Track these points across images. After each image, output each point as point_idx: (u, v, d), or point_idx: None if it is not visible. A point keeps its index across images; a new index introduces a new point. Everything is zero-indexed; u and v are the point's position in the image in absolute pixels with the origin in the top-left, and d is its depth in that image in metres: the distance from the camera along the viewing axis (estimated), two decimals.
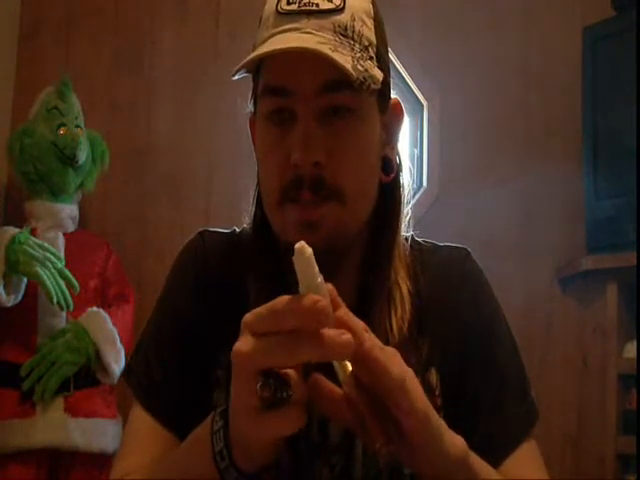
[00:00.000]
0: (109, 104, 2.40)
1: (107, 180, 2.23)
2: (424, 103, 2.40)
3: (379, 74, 0.72)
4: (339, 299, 0.54)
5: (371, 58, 0.72)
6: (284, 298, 0.50)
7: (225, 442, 0.57)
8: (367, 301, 0.75)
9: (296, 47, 0.67)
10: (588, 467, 2.08)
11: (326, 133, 0.71)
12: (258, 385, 0.51)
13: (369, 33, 0.73)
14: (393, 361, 0.53)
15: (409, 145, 2.46)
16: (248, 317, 0.52)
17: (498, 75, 2.37)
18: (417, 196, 2.34)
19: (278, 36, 0.70)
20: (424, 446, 0.55)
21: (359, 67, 0.69)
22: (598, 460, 2.00)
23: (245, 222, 0.85)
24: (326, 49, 0.67)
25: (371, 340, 0.53)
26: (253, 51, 0.74)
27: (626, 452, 1.90)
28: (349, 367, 0.53)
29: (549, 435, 2.13)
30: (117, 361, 1.88)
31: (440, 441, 0.56)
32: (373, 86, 0.71)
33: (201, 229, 0.87)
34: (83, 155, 2.04)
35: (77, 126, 2.05)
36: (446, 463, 0.57)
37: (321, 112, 0.71)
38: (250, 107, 0.82)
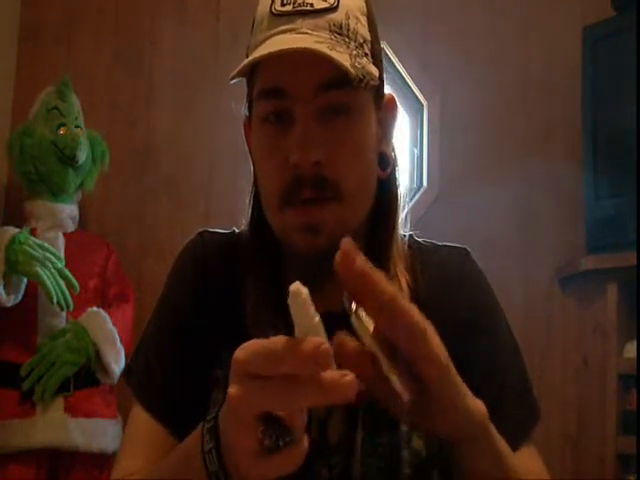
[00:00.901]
0: (109, 104, 2.40)
1: (107, 180, 2.23)
2: (424, 103, 2.40)
3: (375, 70, 0.73)
4: (355, 251, 0.50)
5: (366, 55, 0.72)
6: (281, 340, 0.47)
7: (219, 464, 0.55)
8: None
9: (294, 48, 0.67)
10: (588, 467, 2.08)
11: (325, 132, 0.70)
12: (259, 432, 0.49)
13: (363, 30, 0.73)
14: (414, 310, 0.52)
15: (409, 145, 2.46)
16: (240, 355, 0.49)
17: (498, 75, 2.37)
18: (417, 196, 2.34)
19: (274, 37, 0.70)
20: (445, 399, 0.54)
21: (357, 64, 0.69)
22: (598, 460, 2.00)
23: (244, 223, 0.85)
24: (324, 48, 0.67)
25: (393, 289, 0.51)
26: (247, 54, 0.74)
27: (626, 452, 1.90)
28: (371, 325, 0.51)
29: (549, 435, 2.13)
30: (117, 361, 1.88)
31: (461, 396, 0.56)
32: (372, 82, 0.71)
33: (201, 230, 0.87)
34: (83, 155, 2.04)
35: (77, 126, 2.05)
36: (468, 424, 0.57)
37: (319, 112, 0.71)
38: (245, 111, 0.82)
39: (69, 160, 2.01)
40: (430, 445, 0.74)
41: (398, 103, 0.83)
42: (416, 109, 2.45)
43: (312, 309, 0.48)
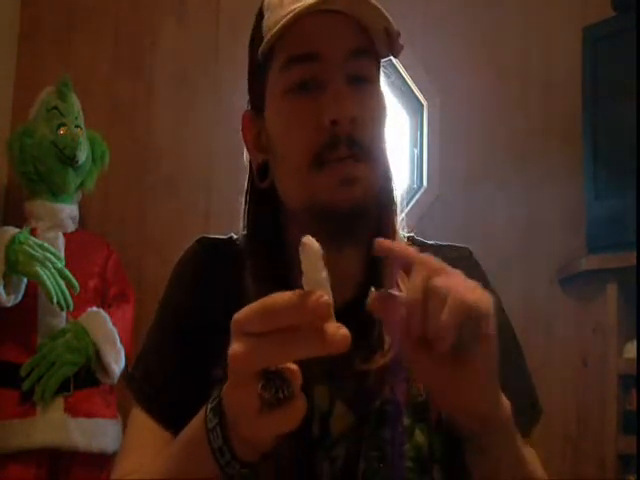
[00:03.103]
0: (109, 104, 2.40)
1: (107, 180, 2.23)
2: (424, 103, 2.40)
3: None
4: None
5: None
6: (281, 294, 0.49)
7: (224, 439, 0.57)
8: (377, 268, 0.77)
9: None
10: (588, 467, 2.08)
11: (355, 95, 0.72)
12: (259, 387, 0.51)
13: None
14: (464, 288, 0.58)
15: (409, 145, 2.46)
16: (239, 317, 0.51)
17: (498, 75, 2.37)
18: (417, 196, 2.34)
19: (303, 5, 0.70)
20: (485, 374, 0.58)
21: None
22: (598, 460, 2.00)
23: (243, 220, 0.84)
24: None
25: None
26: (263, 36, 0.74)
27: (626, 452, 1.90)
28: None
29: (549, 435, 2.13)
30: (117, 361, 1.88)
31: (497, 383, 0.59)
32: (402, 44, 0.76)
33: (199, 236, 0.87)
34: (83, 155, 2.04)
35: (77, 126, 2.05)
36: (498, 414, 0.60)
37: (347, 78, 0.73)
38: (247, 104, 0.82)
39: (69, 160, 2.00)
40: (432, 440, 0.74)
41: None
42: (416, 109, 2.44)
43: (321, 264, 0.50)
